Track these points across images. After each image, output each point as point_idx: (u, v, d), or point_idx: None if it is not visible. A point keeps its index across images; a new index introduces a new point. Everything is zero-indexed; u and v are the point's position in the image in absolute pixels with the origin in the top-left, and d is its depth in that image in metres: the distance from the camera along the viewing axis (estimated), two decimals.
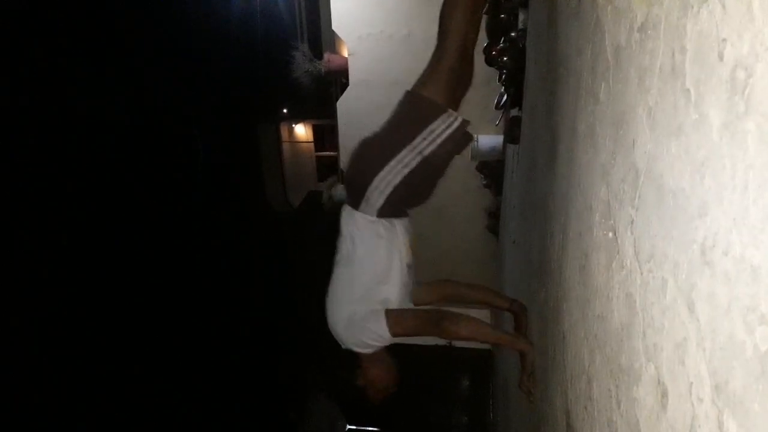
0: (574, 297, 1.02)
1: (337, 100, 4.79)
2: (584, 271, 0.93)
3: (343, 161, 4.87)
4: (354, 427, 5.19)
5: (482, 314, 4.05)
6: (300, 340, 6.37)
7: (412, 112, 1.65)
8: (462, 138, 1.64)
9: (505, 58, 2.76)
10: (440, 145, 1.58)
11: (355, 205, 1.67)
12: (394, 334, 1.65)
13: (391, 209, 1.66)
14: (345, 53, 4.72)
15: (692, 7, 0.49)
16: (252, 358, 6.08)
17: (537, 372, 1.59)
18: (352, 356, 1.74)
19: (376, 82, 4.56)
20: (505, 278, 3.36)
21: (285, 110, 10.17)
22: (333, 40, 5.36)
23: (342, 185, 5.53)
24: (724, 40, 0.43)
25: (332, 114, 4.95)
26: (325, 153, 10.90)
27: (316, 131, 11.16)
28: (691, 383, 0.48)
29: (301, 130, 11.27)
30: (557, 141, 1.29)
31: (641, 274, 0.63)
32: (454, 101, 1.70)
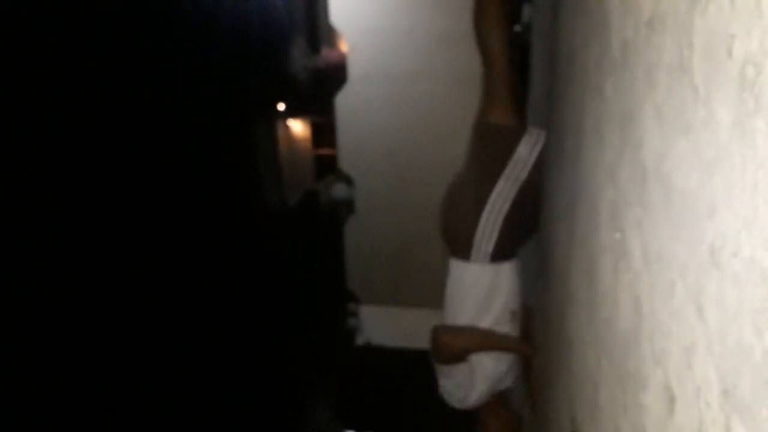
0: (580, 300, 1.02)
1: (335, 96, 4.80)
2: (591, 273, 0.93)
3: (343, 160, 4.87)
4: None
5: None
6: (298, 341, 6.37)
7: (491, 144, 1.60)
8: None
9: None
10: (536, 166, 1.56)
11: (465, 255, 1.63)
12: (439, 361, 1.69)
13: (503, 251, 1.62)
14: (344, 48, 4.72)
15: (700, 2, 0.49)
16: (250, 359, 6.08)
17: (542, 378, 1.60)
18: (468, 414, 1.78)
19: (376, 77, 4.57)
20: None
21: (281, 107, 10.17)
22: (331, 35, 5.36)
23: (340, 184, 5.53)
24: (732, 36, 0.43)
25: (330, 111, 4.95)
26: (323, 151, 10.90)
27: (314, 128, 11.17)
28: (699, 388, 0.48)
29: (298, 128, 11.28)
30: (563, 138, 1.29)
31: (649, 276, 0.63)
32: (522, 115, 1.68)
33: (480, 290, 1.64)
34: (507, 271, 1.66)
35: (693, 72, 0.51)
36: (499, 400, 1.78)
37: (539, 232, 1.75)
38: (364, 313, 5.06)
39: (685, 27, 0.53)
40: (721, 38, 0.45)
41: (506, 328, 1.70)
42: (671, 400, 0.55)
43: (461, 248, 1.64)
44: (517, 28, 2.73)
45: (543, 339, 1.59)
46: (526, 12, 2.65)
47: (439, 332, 1.69)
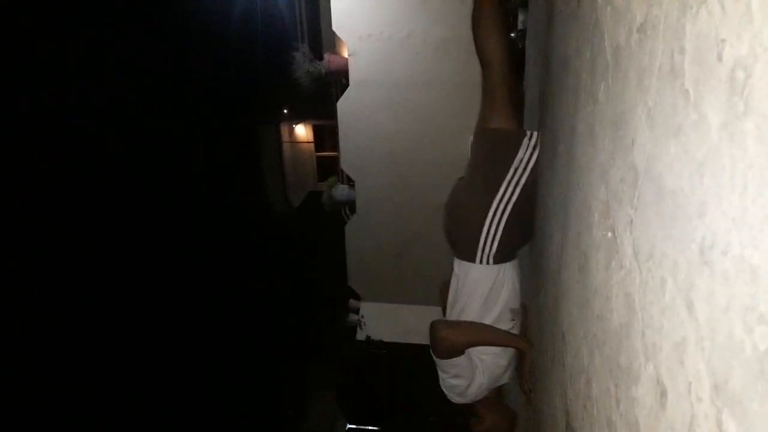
0: (574, 297, 1.02)
1: (337, 100, 4.79)
2: (583, 270, 0.93)
3: (344, 162, 4.87)
4: (354, 426, 5.19)
5: None
6: (300, 339, 6.37)
7: (493, 149, 1.61)
8: None
9: None
10: (534, 168, 1.56)
11: (471, 257, 1.64)
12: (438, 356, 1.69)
13: (506, 252, 1.63)
14: (345, 54, 4.72)
15: (691, 7, 0.49)
16: (252, 357, 6.08)
17: (536, 371, 1.59)
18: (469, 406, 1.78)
19: (376, 82, 4.56)
20: None
21: (285, 110, 10.17)
22: (333, 41, 5.35)
23: (342, 185, 5.53)
24: (723, 40, 0.43)
25: (332, 114, 4.95)
26: (325, 153, 10.89)
27: (317, 131, 11.16)
28: (690, 383, 0.48)
29: (302, 131, 11.27)
30: (556, 141, 1.28)
31: (640, 273, 0.62)
32: (521, 120, 1.69)
33: (483, 289, 1.65)
34: (509, 271, 1.67)
35: (684, 76, 0.51)
36: (496, 395, 1.78)
37: (534, 230, 1.75)
38: (365, 309, 5.06)
39: (677, 32, 0.53)
40: (711, 43, 0.45)
41: (507, 325, 1.70)
42: (663, 394, 0.54)
43: (466, 251, 1.65)
44: (513, 34, 2.72)
45: (537, 333, 1.59)
46: (521, 18, 2.64)
47: (437, 326, 1.69)
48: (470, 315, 1.68)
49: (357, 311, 5.05)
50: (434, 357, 1.72)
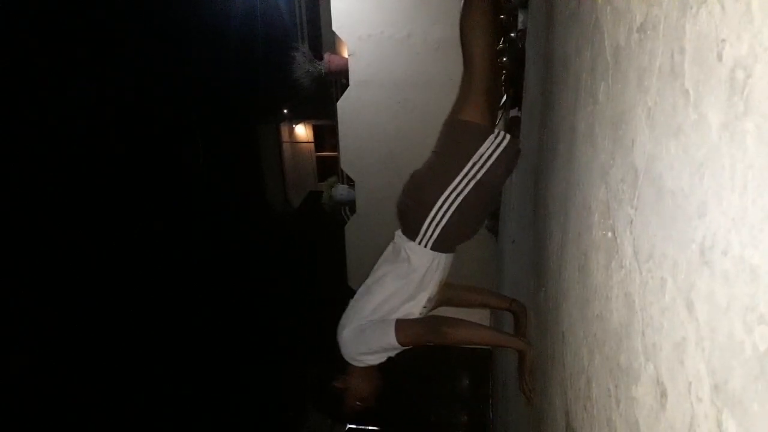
0: (573, 297, 1.02)
1: (337, 100, 4.79)
2: (583, 270, 0.93)
3: (344, 162, 4.87)
4: (354, 427, 5.19)
5: (483, 315, 4.05)
6: (300, 340, 6.37)
7: (458, 139, 1.63)
8: (513, 154, 1.64)
9: (504, 59, 2.76)
10: (492, 166, 1.57)
11: (412, 237, 1.66)
12: (402, 344, 1.66)
13: (445, 243, 1.65)
14: (345, 54, 4.72)
15: (691, 7, 0.49)
16: (251, 358, 6.07)
17: (536, 372, 1.59)
18: (344, 364, 1.76)
19: (376, 82, 4.57)
20: (505, 278, 3.36)
21: (285, 110, 10.17)
22: (333, 41, 5.36)
23: (342, 185, 5.53)
24: (723, 40, 0.43)
25: (332, 114, 4.95)
26: (325, 153, 10.89)
27: (317, 131, 11.17)
28: (690, 383, 0.48)
29: (302, 131, 11.27)
30: (556, 141, 1.29)
31: (640, 273, 0.62)
32: (494, 118, 1.70)
33: (421, 270, 1.65)
34: (443, 262, 1.69)
35: (684, 76, 0.51)
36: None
37: (534, 230, 1.75)
38: None
39: (677, 32, 0.53)
40: (711, 43, 0.45)
41: (421, 312, 1.71)
42: (663, 394, 0.54)
43: (410, 229, 1.67)
44: (512, 34, 2.72)
45: (536, 334, 1.59)
46: (521, 18, 2.64)
47: (440, 323, 1.68)
48: (388, 284, 1.68)
49: None
50: (396, 340, 1.66)
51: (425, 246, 1.65)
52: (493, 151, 1.58)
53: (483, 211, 1.71)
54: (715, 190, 0.44)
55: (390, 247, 1.77)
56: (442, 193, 1.59)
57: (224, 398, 5.47)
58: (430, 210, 1.60)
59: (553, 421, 1.23)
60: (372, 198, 4.80)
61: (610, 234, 0.76)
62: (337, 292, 5.25)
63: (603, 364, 0.78)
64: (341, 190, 5.47)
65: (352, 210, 5.07)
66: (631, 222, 0.66)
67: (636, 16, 0.66)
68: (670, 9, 0.54)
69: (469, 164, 1.57)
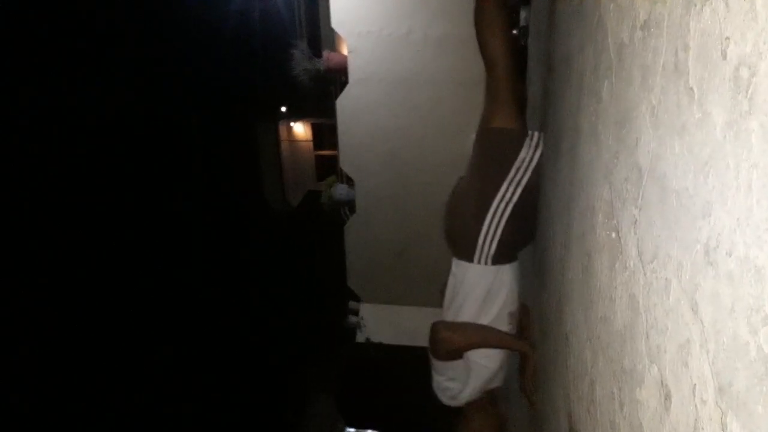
0: (577, 298, 1.02)
1: (336, 98, 4.79)
2: (587, 271, 0.93)
3: (343, 161, 4.86)
4: (353, 430, 5.19)
5: None
6: (299, 341, 6.37)
7: (495, 148, 1.61)
8: None
9: None
10: (536, 169, 1.56)
11: (469, 257, 1.64)
12: (438, 359, 1.70)
13: (505, 254, 1.63)
14: (344, 51, 4.72)
15: (695, 5, 0.49)
16: (251, 359, 6.08)
17: (539, 374, 1.59)
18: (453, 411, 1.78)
19: (375, 80, 4.57)
20: None
21: (284, 109, 10.17)
22: (332, 38, 5.36)
23: (342, 184, 5.53)
24: (727, 38, 0.43)
25: (332, 113, 4.95)
26: (324, 152, 10.89)
27: (315, 130, 11.16)
28: (695, 385, 0.48)
29: (300, 129, 11.27)
30: (559, 140, 1.29)
31: (644, 274, 0.63)
32: (524, 118, 1.68)
33: (481, 291, 1.65)
34: (507, 273, 1.67)
35: (688, 74, 0.51)
36: (487, 398, 1.78)
37: (536, 232, 1.75)
38: (365, 311, 5.06)
39: (681, 29, 0.53)
40: (715, 40, 0.45)
41: (504, 329, 1.70)
42: (667, 396, 0.54)
43: (464, 250, 1.65)
44: (515, 31, 2.73)
45: (539, 336, 1.59)
46: (523, 15, 2.65)
47: (438, 327, 1.69)
48: (466, 316, 1.67)
49: (356, 313, 5.05)
50: (433, 358, 1.72)
51: (485, 263, 1.62)
52: (534, 153, 1.56)
53: (536, 213, 1.69)
54: (720, 190, 0.45)
55: (451, 280, 1.74)
56: (489, 207, 1.56)
57: (222, 401, 5.48)
58: (481, 226, 1.58)
59: (555, 424, 1.23)
60: (372, 197, 4.80)
61: (614, 234, 0.76)
62: (337, 293, 5.25)
63: (607, 367, 0.79)
64: (340, 190, 5.47)
65: (352, 210, 5.07)
66: (636, 222, 0.66)
67: (639, 13, 0.66)
68: (674, 6, 0.55)
69: (512, 172, 1.56)
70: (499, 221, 1.57)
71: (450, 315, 1.73)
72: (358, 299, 5.08)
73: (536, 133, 1.58)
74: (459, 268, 1.69)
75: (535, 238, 1.72)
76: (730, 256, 0.43)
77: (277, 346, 6.35)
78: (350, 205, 5.18)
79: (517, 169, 1.56)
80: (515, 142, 1.57)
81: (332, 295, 5.29)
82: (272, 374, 6.22)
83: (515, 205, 1.56)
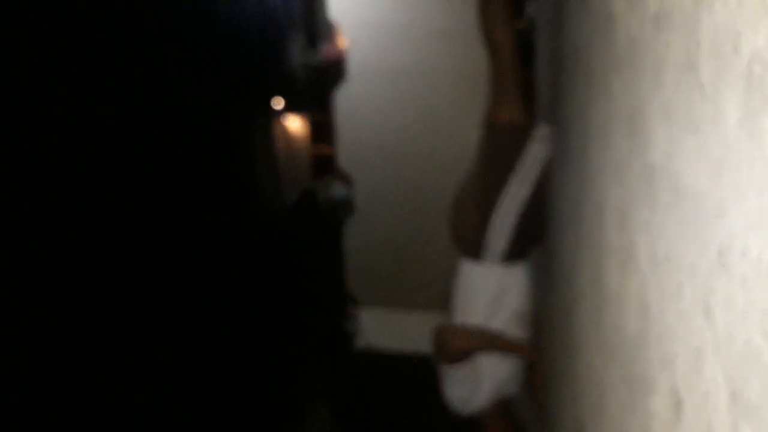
0: (586, 302, 1.02)
1: (333, 92, 4.80)
2: (596, 275, 0.94)
3: (341, 157, 4.87)
4: None
5: None
6: (297, 345, 6.36)
7: (503, 142, 1.61)
8: None
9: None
10: (546, 164, 1.57)
11: (476, 255, 1.65)
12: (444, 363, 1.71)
13: (517, 250, 1.63)
14: (342, 44, 4.73)
15: None
16: (243, 367, 6.07)
17: (548, 381, 1.60)
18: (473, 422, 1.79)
19: (375, 73, 4.57)
20: None
21: (279, 104, 10.16)
22: (330, 30, 5.36)
23: (338, 182, 5.53)
24: (739, 32, 0.44)
25: (329, 107, 4.96)
26: (321, 148, 10.88)
27: (312, 125, 11.16)
28: (707, 392, 0.49)
29: (297, 124, 11.28)
30: (568, 138, 1.29)
31: (656, 278, 0.63)
32: (531, 110, 1.68)
33: (491, 291, 1.65)
34: (518, 272, 1.67)
35: (700, 69, 0.52)
36: (503, 407, 1.79)
37: (544, 234, 1.76)
38: (364, 315, 5.06)
39: (692, 23, 0.53)
40: (727, 35, 0.46)
41: (515, 331, 1.70)
42: (679, 404, 0.55)
43: (471, 248, 1.65)
44: (521, 24, 2.73)
45: (547, 342, 1.60)
46: (530, 8, 2.65)
47: (441, 331, 1.70)
48: (475, 319, 1.68)
49: (355, 318, 5.05)
50: (437, 362, 1.72)
51: (494, 262, 1.62)
52: (542, 148, 1.56)
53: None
54: (734, 189, 0.45)
55: (458, 281, 1.74)
56: (497, 203, 1.57)
57: (215, 409, 5.48)
58: (489, 222, 1.58)
59: None
60: (370, 196, 4.81)
61: (625, 236, 0.77)
62: (335, 297, 5.25)
63: (617, 374, 0.79)
64: (338, 188, 5.47)
65: (350, 209, 5.07)
66: (647, 223, 0.67)
67: (650, 6, 0.66)
68: None
69: (520, 167, 1.56)
70: (510, 217, 1.58)
71: (458, 318, 1.73)
72: (357, 303, 5.08)
73: (545, 127, 1.59)
74: (466, 268, 1.69)
75: (542, 241, 1.72)
76: (744, 258, 0.43)
77: (272, 353, 6.35)
78: (348, 204, 5.18)
79: (526, 164, 1.57)
80: (522, 136, 1.57)
81: (330, 299, 5.30)
82: (266, 382, 6.22)
83: (527, 200, 1.57)
